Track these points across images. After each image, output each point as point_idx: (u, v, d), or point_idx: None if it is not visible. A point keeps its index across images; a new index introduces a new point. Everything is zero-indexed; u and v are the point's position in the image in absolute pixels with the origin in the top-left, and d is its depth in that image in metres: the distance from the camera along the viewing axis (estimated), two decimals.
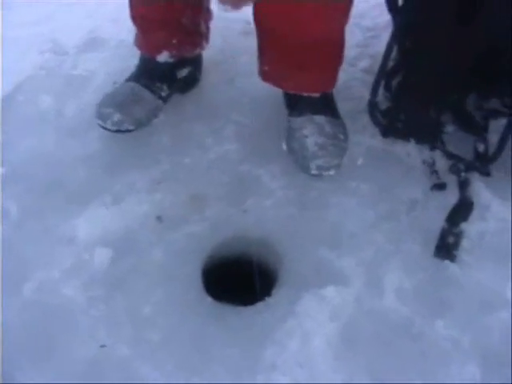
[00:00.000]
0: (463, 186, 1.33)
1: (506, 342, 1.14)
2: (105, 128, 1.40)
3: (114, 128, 1.39)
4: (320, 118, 1.39)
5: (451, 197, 1.34)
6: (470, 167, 1.37)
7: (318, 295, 1.20)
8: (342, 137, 1.39)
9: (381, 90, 1.46)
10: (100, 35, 1.68)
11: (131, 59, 1.52)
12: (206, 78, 1.57)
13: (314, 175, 1.36)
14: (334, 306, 1.19)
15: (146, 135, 1.44)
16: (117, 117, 1.38)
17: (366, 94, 1.45)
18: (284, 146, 1.41)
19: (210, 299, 1.23)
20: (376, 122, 1.45)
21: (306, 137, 1.36)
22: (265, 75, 1.43)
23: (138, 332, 1.17)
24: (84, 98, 1.52)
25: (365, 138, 1.45)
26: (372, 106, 1.44)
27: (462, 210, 1.30)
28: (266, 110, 1.50)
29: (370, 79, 1.45)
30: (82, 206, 1.33)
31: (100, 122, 1.40)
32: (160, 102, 1.45)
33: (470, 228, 1.29)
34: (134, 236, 1.29)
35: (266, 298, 1.22)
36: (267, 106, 1.51)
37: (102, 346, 1.15)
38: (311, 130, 1.37)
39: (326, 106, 1.42)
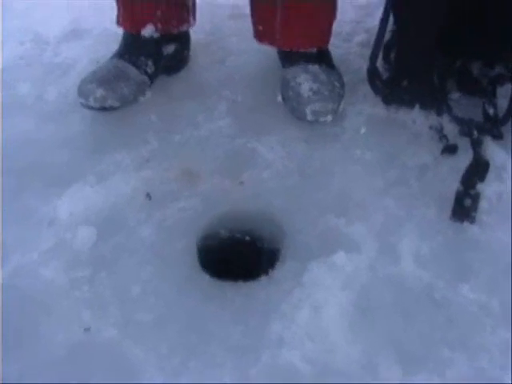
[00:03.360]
0: (477, 145, 1.23)
1: None
2: (87, 106, 1.31)
3: (97, 105, 1.30)
4: (314, 67, 1.36)
5: (463, 160, 1.22)
6: (481, 129, 1.27)
7: (327, 263, 1.08)
8: (337, 84, 1.35)
9: (380, 62, 1.39)
10: (82, 25, 1.60)
11: (116, 46, 1.44)
12: (195, 60, 1.49)
13: (310, 121, 1.30)
14: (346, 273, 1.07)
15: (132, 114, 1.35)
16: (100, 92, 1.29)
17: (364, 66, 1.38)
18: (279, 97, 1.36)
19: (206, 276, 1.11)
20: (377, 91, 1.36)
21: (300, 84, 1.32)
22: (259, 35, 1.39)
23: (126, 313, 1.04)
24: (66, 83, 1.42)
25: (366, 107, 1.36)
26: (371, 74, 1.36)
27: (477, 171, 1.19)
28: (259, 86, 1.42)
29: (367, 52, 1.38)
30: (63, 187, 1.22)
31: (82, 100, 1.30)
32: (146, 77, 1.36)
33: (488, 189, 1.19)
34: (121, 214, 1.18)
35: (270, 271, 1.10)
36: (261, 82, 1.43)
37: (87, 329, 1.02)
38: (305, 78, 1.33)
39: (320, 57, 1.38)
